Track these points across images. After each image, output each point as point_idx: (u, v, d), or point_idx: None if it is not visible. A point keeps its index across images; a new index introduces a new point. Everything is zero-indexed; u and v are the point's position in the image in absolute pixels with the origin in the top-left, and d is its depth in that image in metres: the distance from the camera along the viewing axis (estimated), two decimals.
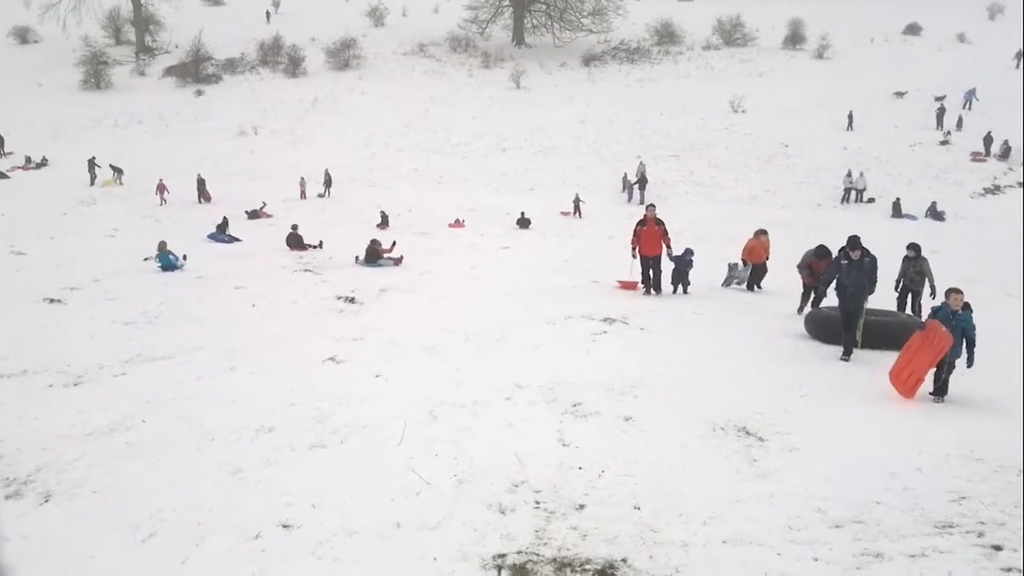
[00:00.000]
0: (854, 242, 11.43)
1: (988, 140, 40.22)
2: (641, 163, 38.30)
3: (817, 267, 14.20)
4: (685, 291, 16.45)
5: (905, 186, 36.06)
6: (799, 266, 14.98)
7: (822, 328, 12.44)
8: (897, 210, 33.70)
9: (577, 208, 33.59)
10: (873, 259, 11.34)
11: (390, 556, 5.29)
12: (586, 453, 7.09)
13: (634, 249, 16.03)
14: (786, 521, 5.73)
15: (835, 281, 11.66)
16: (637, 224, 16.18)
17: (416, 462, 6.81)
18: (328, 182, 36.33)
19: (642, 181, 36.57)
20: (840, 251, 11.61)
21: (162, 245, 19.91)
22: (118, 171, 36.40)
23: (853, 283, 11.33)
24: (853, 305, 11.39)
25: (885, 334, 11.76)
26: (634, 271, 16.36)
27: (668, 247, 15.98)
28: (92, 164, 35.87)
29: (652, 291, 16.20)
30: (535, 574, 5.02)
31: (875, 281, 11.38)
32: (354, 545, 5.43)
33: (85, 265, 18.86)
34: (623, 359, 10.70)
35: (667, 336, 12.55)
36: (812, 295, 14.64)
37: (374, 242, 21.66)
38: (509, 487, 6.38)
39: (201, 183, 34.00)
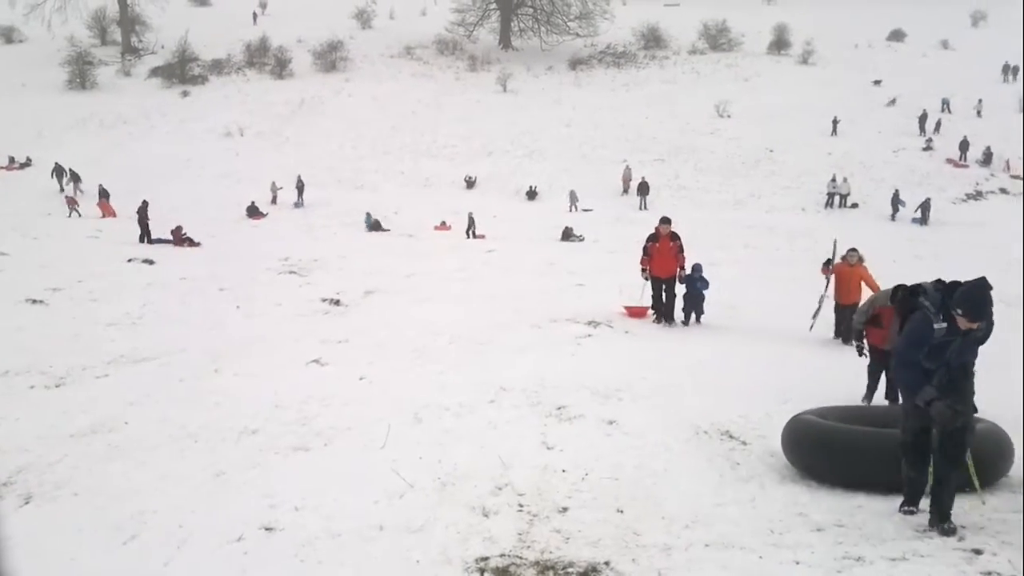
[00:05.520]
0: (978, 297, 5.35)
1: (964, 145, 40.54)
2: (627, 167, 38.39)
3: (888, 320, 8.18)
4: (698, 320, 14.02)
5: (888, 191, 36.28)
6: (856, 320, 9.74)
7: (810, 450, 6.75)
8: (896, 201, 34.04)
9: (471, 227, 30.97)
10: (990, 324, 5.54)
11: (373, 558, 5.28)
12: (570, 456, 7.10)
13: (645, 270, 13.68)
14: (768, 525, 5.76)
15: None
16: (647, 239, 13.76)
17: (400, 464, 6.80)
18: (301, 188, 35.60)
19: (643, 187, 36.32)
20: (924, 292, 5.69)
21: (369, 215, 31.79)
22: (76, 177, 35.18)
23: (951, 366, 5.61)
24: (949, 412, 5.48)
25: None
26: (644, 295, 14.09)
27: (682, 268, 13.54)
28: (60, 170, 35.17)
29: (664, 320, 13.84)
30: None
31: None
32: (337, 547, 5.42)
33: (68, 266, 18.74)
34: (608, 362, 10.72)
35: (651, 340, 12.61)
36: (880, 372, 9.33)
37: (568, 228, 30.35)
38: (493, 490, 6.38)
39: (103, 193, 32.27)
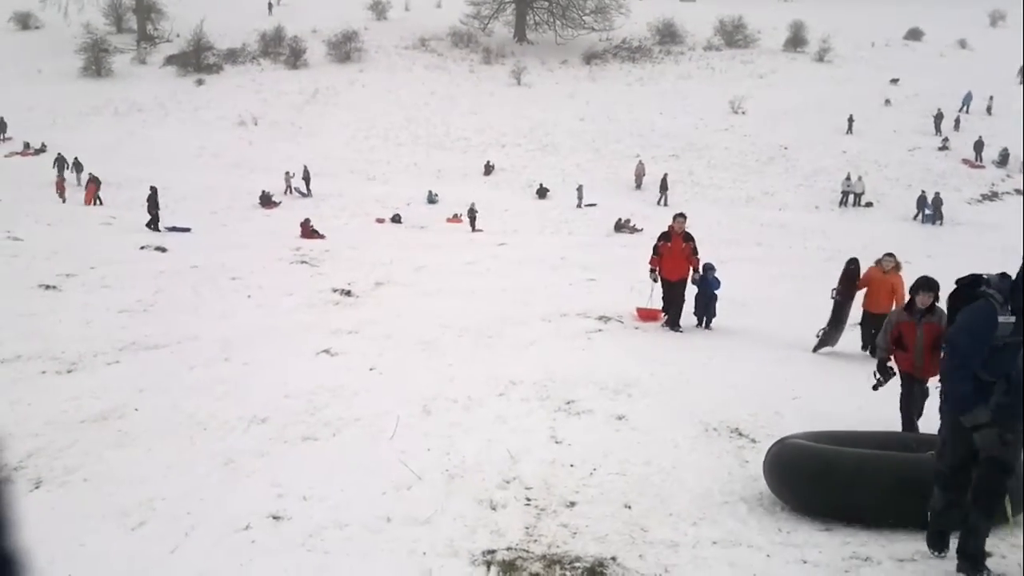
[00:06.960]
0: None
1: (979, 146, 40.23)
2: (640, 163, 38.29)
3: (910, 337, 7.46)
4: (708, 325, 13.17)
5: (904, 191, 36.09)
6: (880, 348, 7.81)
7: (804, 483, 5.84)
8: (922, 204, 33.85)
9: (472, 220, 30.84)
10: None
11: (380, 549, 5.28)
12: (578, 451, 7.09)
13: (654, 271, 12.85)
14: (776, 523, 5.74)
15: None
16: (659, 238, 12.90)
17: (408, 456, 6.80)
18: (307, 179, 35.49)
19: (662, 184, 36.07)
20: (987, 283, 4.63)
21: (431, 191, 34.57)
22: (79, 166, 35.01)
23: (1013, 381, 4.55)
24: (998, 442, 4.49)
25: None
26: (654, 298, 13.26)
27: (695, 270, 12.70)
28: (62, 160, 34.95)
29: (673, 326, 12.87)
30: (524, 571, 5.01)
31: None
32: (344, 538, 5.42)
33: (81, 252, 18.80)
34: (617, 358, 10.70)
35: (662, 336, 12.57)
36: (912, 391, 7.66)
37: (620, 219, 30.77)
38: (500, 483, 6.38)
39: (93, 180, 32.01)
